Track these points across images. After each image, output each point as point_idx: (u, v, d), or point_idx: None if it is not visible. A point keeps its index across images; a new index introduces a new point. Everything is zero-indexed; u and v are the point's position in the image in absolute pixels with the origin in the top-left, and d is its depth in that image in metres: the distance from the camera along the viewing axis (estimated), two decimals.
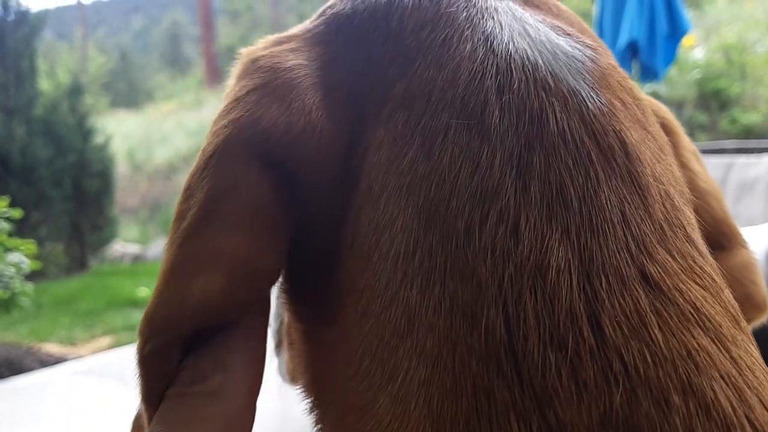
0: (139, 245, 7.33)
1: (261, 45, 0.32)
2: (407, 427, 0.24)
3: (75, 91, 6.66)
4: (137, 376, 0.28)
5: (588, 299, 0.24)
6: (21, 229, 3.88)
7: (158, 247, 7.14)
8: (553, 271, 0.24)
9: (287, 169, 0.28)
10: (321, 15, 0.33)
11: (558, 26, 0.32)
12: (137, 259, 6.95)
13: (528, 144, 0.27)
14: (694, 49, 6.17)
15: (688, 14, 3.45)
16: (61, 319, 4.38)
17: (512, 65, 0.29)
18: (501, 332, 0.24)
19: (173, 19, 23.35)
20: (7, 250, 3.04)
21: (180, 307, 0.27)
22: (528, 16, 0.32)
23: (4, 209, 3.09)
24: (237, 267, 0.27)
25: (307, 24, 0.33)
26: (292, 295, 0.32)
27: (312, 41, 0.32)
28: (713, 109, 5.71)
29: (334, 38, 0.31)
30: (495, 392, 0.23)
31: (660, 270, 0.25)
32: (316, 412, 0.31)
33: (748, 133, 5.28)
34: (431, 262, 0.26)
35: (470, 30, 0.30)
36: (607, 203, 0.26)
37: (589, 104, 0.28)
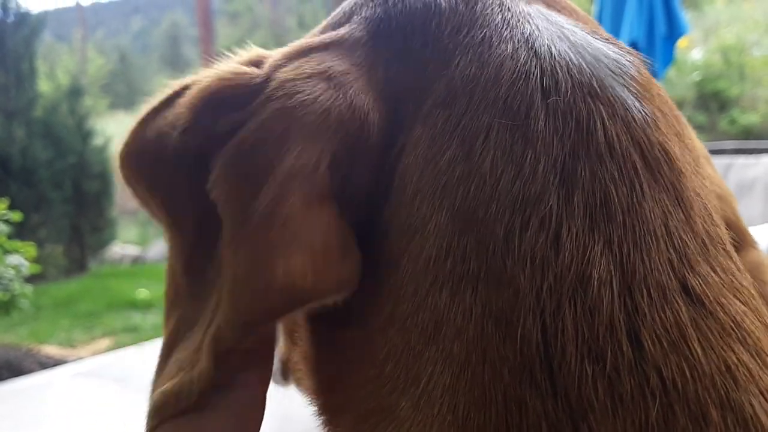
0: (139, 247, 7.32)
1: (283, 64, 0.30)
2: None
3: (74, 92, 6.66)
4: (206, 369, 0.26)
5: (628, 312, 0.23)
6: (20, 231, 3.88)
7: (158, 249, 7.14)
8: (595, 283, 0.24)
9: (342, 162, 0.28)
10: (348, 20, 0.32)
11: (594, 30, 0.31)
12: (137, 260, 6.95)
13: (573, 151, 0.26)
14: (693, 50, 6.17)
15: (686, 15, 3.45)
16: (60, 321, 4.38)
17: (557, 67, 0.28)
18: (537, 342, 0.23)
19: (172, 20, 23.35)
20: (7, 252, 3.04)
21: (266, 293, 0.25)
22: (562, 19, 0.31)
23: (4, 211, 3.09)
24: (316, 249, 0.26)
25: (333, 32, 0.32)
26: None
27: (350, 48, 0.31)
28: (712, 110, 5.71)
29: (371, 43, 0.31)
30: (527, 403, 0.23)
31: (702, 283, 0.25)
32: (326, 417, 0.30)
33: (747, 133, 5.29)
34: (464, 267, 0.25)
35: (509, 31, 0.29)
36: (651, 216, 0.25)
37: (635, 114, 0.27)
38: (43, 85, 6.83)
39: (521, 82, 0.27)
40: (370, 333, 0.27)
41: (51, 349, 3.86)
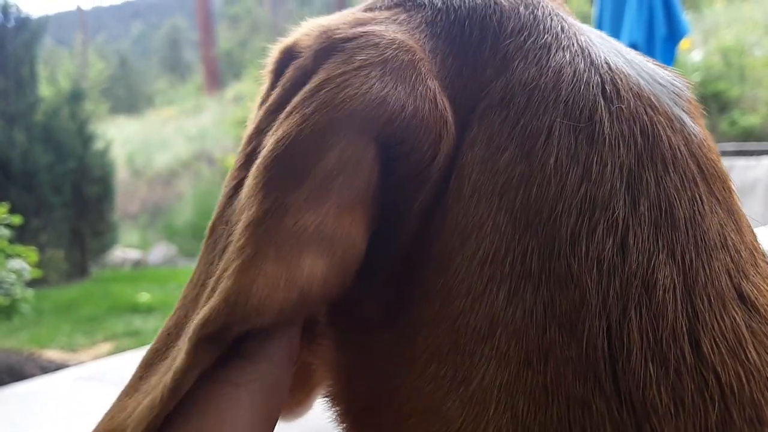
0: (140, 251, 7.32)
1: (341, 21, 0.30)
2: (483, 429, 0.24)
3: (75, 97, 6.66)
4: (188, 351, 0.24)
5: (689, 318, 0.24)
6: (21, 235, 3.89)
7: (159, 253, 7.14)
8: (660, 290, 0.24)
9: (396, 154, 0.27)
10: (398, 5, 0.31)
11: (642, 55, 0.32)
12: (138, 264, 6.95)
13: (639, 158, 0.26)
14: (693, 51, 6.17)
15: (686, 17, 3.45)
16: (61, 326, 4.37)
17: (616, 78, 0.29)
18: (602, 346, 0.24)
19: (173, 24, 23.38)
20: (8, 256, 3.04)
21: (286, 288, 0.24)
22: (613, 40, 0.32)
23: (5, 216, 3.09)
24: (343, 251, 0.25)
25: (386, 12, 0.31)
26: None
27: (411, 26, 0.30)
28: (712, 112, 5.71)
29: (429, 30, 0.30)
30: (591, 403, 0.24)
31: (755, 290, 0.26)
32: (348, 423, 0.30)
33: (747, 135, 5.29)
34: (524, 268, 0.25)
35: (566, 40, 0.30)
36: (710, 226, 0.26)
37: (691, 132, 0.28)
38: (44, 90, 6.84)
39: (582, 87, 0.28)
40: (407, 334, 0.27)
41: (52, 354, 3.85)
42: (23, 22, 6.42)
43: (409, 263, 0.28)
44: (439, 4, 0.31)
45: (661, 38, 3.14)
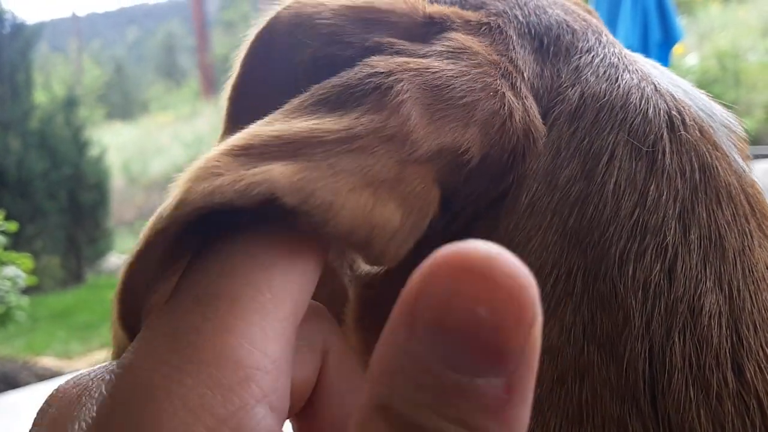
0: None
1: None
2: None
3: (70, 103, 6.65)
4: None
5: (734, 345, 0.25)
6: (16, 242, 3.87)
7: None
8: (706, 315, 0.25)
9: (483, 165, 0.26)
10: (480, 7, 0.31)
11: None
12: None
13: (694, 191, 0.27)
14: (688, 55, 6.18)
15: (680, 21, 3.46)
16: (57, 333, 4.36)
17: (681, 106, 0.29)
18: (643, 367, 0.24)
19: (168, 30, 23.39)
20: (3, 263, 3.03)
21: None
22: (666, 70, 0.33)
23: (0, 223, 3.08)
24: (419, 214, 0.23)
25: (472, 12, 0.30)
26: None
27: (502, 42, 0.29)
28: None
29: (515, 42, 0.30)
30: (627, 424, 0.24)
31: None
32: None
33: None
34: (566, 286, 0.25)
35: (631, 65, 0.30)
36: (759, 260, 0.27)
37: (742, 170, 0.29)
38: (39, 96, 6.82)
39: (650, 110, 0.28)
40: None
41: (47, 361, 3.84)
42: (18, 29, 6.42)
43: None
44: (520, 17, 0.31)
45: (656, 43, 3.16)
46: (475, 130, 0.25)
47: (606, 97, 0.28)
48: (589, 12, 0.36)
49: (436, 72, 0.25)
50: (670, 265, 0.25)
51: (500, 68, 0.27)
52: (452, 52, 0.26)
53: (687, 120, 0.28)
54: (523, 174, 0.27)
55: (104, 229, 6.56)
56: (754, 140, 5.24)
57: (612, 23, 3.25)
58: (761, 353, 0.25)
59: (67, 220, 6.14)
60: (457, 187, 0.26)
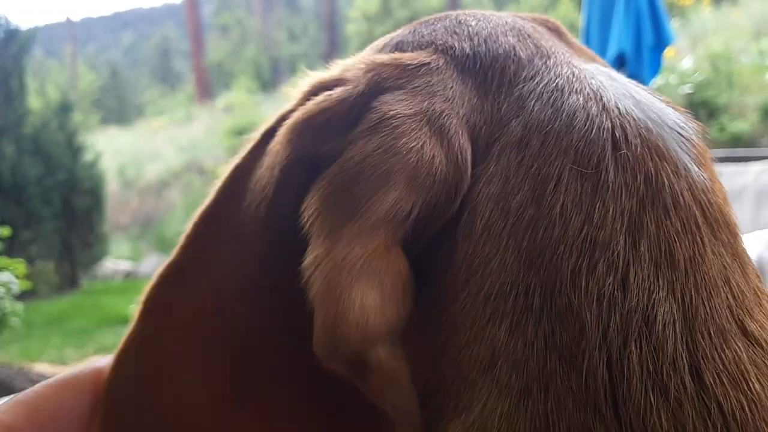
0: (131, 262, 7.29)
1: (381, 61, 0.32)
2: None
3: (65, 108, 6.64)
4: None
5: (690, 350, 0.26)
6: (10, 247, 3.86)
7: (150, 264, 7.11)
8: (660, 324, 0.26)
9: (429, 209, 0.29)
10: (427, 47, 0.33)
11: (653, 92, 0.33)
12: (129, 276, 6.92)
13: (641, 204, 0.28)
14: (683, 59, 6.21)
15: (673, 24, 3.48)
16: (52, 339, 4.35)
17: (626, 123, 0.30)
18: (603, 376, 0.25)
19: (162, 34, 23.38)
20: None
21: (340, 323, 0.26)
22: (625, 79, 0.33)
23: None
24: (388, 290, 0.27)
25: (412, 54, 0.33)
26: None
27: (440, 81, 0.31)
28: (701, 118, 5.73)
29: (460, 78, 0.32)
30: (591, 430, 0.25)
31: (759, 327, 0.27)
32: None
33: (736, 141, 5.32)
34: (526, 303, 0.27)
35: (578, 84, 0.31)
36: (711, 267, 0.27)
37: (695, 176, 0.30)
38: (33, 102, 6.81)
39: (593, 132, 0.29)
40: (416, 364, 0.28)
41: (42, 367, 3.83)
42: (12, 34, 6.41)
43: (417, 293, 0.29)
44: (468, 51, 0.33)
45: (648, 47, 3.17)
46: (400, 189, 0.27)
47: (550, 125, 0.29)
48: (551, 29, 0.37)
49: (353, 159, 0.28)
50: (623, 277, 0.26)
51: (425, 115, 0.29)
52: (372, 127, 0.29)
53: (630, 136, 0.29)
54: (474, 201, 0.29)
55: (99, 234, 6.55)
56: (748, 142, 5.26)
57: (605, 27, 3.26)
58: (717, 358, 0.25)
59: (62, 226, 6.13)
60: (414, 227, 0.28)
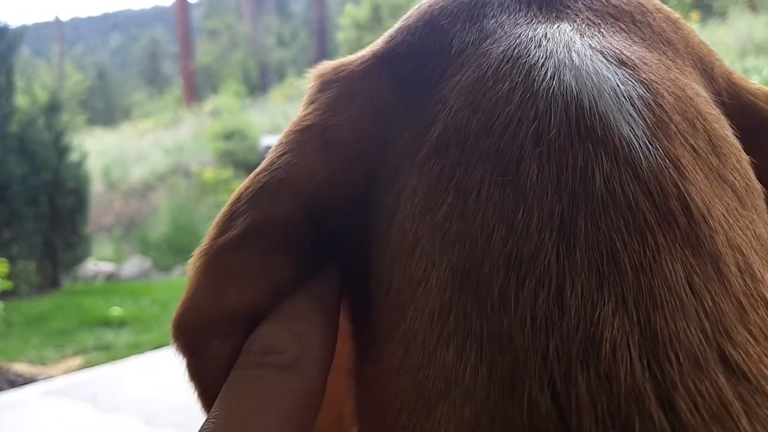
0: (113, 264, 7.24)
1: (331, 65, 0.33)
2: None
3: (51, 108, 6.60)
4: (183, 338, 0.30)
5: (656, 379, 0.21)
6: None
7: (133, 266, 7.06)
8: (608, 345, 0.21)
9: (320, 218, 0.30)
10: (372, 48, 0.33)
11: (615, 50, 0.27)
12: (111, 277, 6.87)
13: (572, 203, 0.24)
14: None
15: None
16: (31, 339, 4.30)
17: (552, 107, 0.25)
18: (548, 408, 0.21)
19: (151, 36, 23.28)
20: None
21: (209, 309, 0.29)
22: (578, 38, 0.28)
23: None
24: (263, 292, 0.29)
25: (353, 56, 0.33)
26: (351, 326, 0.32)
27: (373, 75, 0.31)
28: None
29: (391, 76, 0.31)
30: None
31: (742, 353, 0.22)
32: None
33: None
34: (467, 325, 0.24)
35: (509, 65, 0.27)
36: (670, 273, 0.22)
37: (645, 155, 0.24)
38: (20, 100, 6.76)
39: (512, 129, 0.25)
40: (387, 376, 0.26)
41: (21, 367, 3.78)
42: (0, 32, 6.36)
43: (373, 304, 0.29)
44: (404, 48, 0.31)
45: None
46: (289, 197, 0.29)
47: (467, 129, 0.26)
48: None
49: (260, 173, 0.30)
50: (557, 291, 0.22)
51: (321, 128, 0.30)
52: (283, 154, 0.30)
53: (555, 123, 0.25)
54: (402, 217, 0.27)
55: (82, 235, 6.50)
56: None
57: None
58: (693, 389, 0.21)
59: (45, 225, 6.08)
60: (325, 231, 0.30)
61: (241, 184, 0.30)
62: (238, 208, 0.29)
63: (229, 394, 0.26)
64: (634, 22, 0.30)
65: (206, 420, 0.26)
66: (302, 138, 0.30)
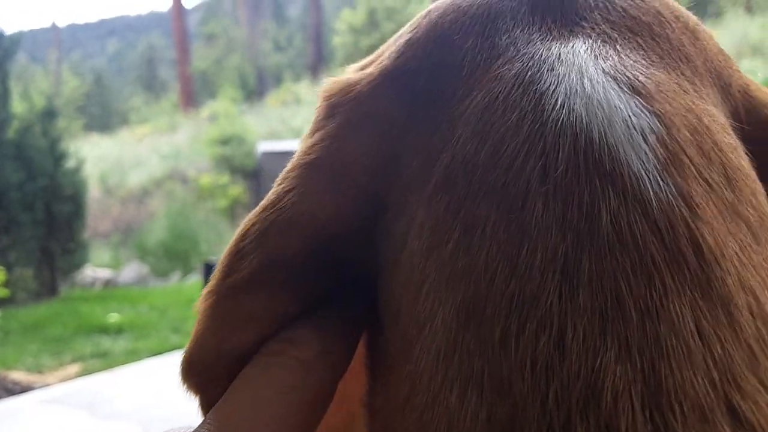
0: (111, 270, 7.23)
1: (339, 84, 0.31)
2: None
3: (48, 114, 6.60)
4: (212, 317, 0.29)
5: (658, 431, 0.20)
6: None
7: (130, 272, 7.05)
8: (609, 394, 0.21)
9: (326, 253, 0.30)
10: (380, 62, 0.31)
11: (630, 75, 0.26)
12: (108, 284, 6.86)
13: (576, 242, 0.23)
14: None
15: None
16: (28, 346, 4.29)
17: (561, 141, 0.24)
18: None
19: (149, 42, 23.31)
20: None
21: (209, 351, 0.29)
22: (591, 61, 0.26)
23: None
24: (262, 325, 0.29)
25: (360, 73, 0.31)
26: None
27: (382, 94, 0.30)
28: None
29: (398, 95, 0.29)
30: None
31: (750, 403, 0.21)
32: None
33: None
34: (469, 368, 0.23)
35: (520, 90, 0.26)
36: (678, 318, 0.22)
37: (655, 193, 0.23)
38: (17, 107, 6.76)
39: (519, 162, 0.24)
40: (393, 409, 0.26)
41: (18, 375, 3.77)
42: None
43: (382, 336, 0.28)
44: (413, 65, 0.29)
45: None
46: (296, 235, 0.29)
47: (474, 161, 0.25)
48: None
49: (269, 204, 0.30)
50: (558, 336, 0.22)
51: (328, 162, 0.29)
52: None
53: (563, 157, 0.24)
54: (410, 251, 0.26)
55: (79, 241, 6.50)
56: None
57: None
58: None
59: (42, 232, 6.07)
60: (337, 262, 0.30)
61: (246, 219, 0.30)
62: (245, 247, 0.29)
63: (247, 377, 0.28)
64: (653, 36, 0.28)
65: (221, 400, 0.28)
66: (309, 174, 0.29)
